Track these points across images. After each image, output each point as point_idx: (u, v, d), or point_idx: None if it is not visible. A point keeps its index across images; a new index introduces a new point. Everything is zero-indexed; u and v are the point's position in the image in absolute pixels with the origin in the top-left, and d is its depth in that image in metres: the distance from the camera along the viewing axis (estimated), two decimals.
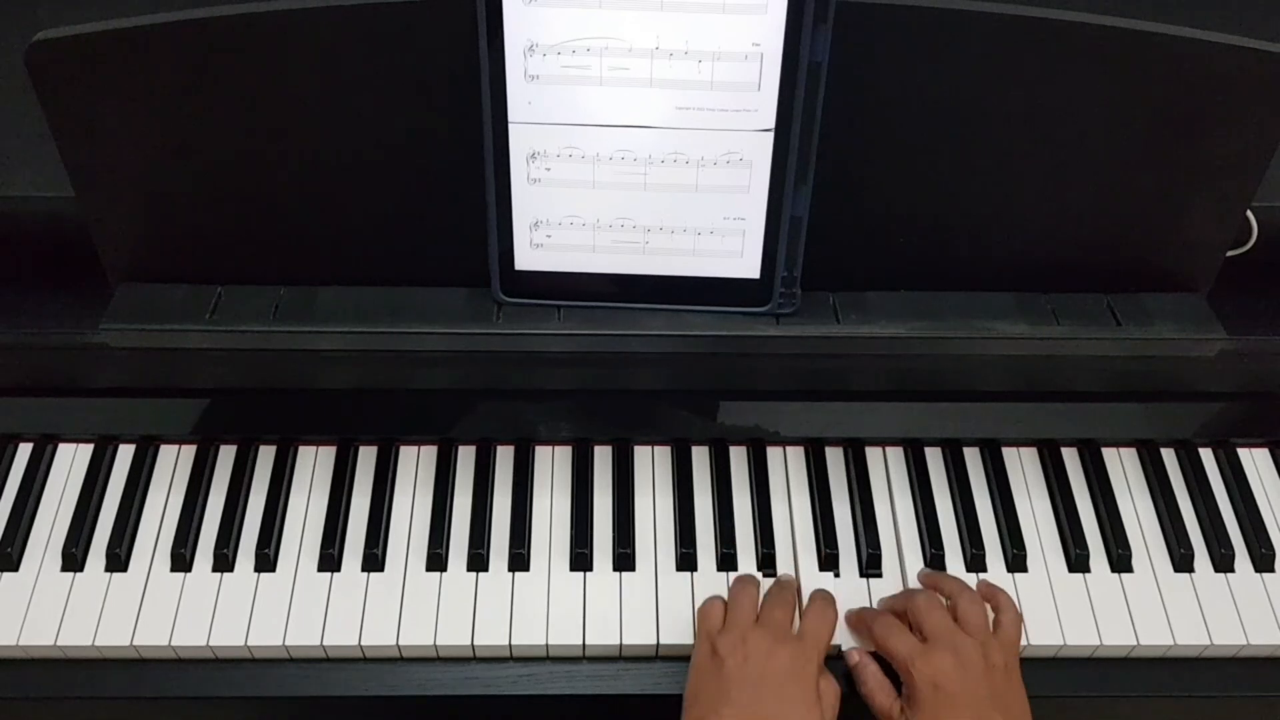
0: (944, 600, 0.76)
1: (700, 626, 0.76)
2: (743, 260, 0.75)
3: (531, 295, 0.77)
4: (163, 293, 0.77)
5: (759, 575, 0.81)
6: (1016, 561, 0.82)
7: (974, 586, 0.78)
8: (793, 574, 0.81)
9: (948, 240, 0.77)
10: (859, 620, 0.78)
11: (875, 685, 0.74)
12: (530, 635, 0.78)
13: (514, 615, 0.79)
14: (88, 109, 0.69)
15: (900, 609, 0.77)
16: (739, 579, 0.79)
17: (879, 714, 0.73)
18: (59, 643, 0.77)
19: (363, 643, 0.77)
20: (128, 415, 0.87)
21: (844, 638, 0.78)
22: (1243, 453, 0.90)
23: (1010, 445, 0.90)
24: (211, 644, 0.77)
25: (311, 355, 0.79)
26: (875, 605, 0.80)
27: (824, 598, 0.77)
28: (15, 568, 0.81)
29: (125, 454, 0.87)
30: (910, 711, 0.70)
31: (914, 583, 0.81)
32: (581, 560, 0.81)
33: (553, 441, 0.89)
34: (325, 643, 0.77)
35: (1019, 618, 0.75)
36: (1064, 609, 0.80)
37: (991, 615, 0.75)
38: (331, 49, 0.67)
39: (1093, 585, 0.82)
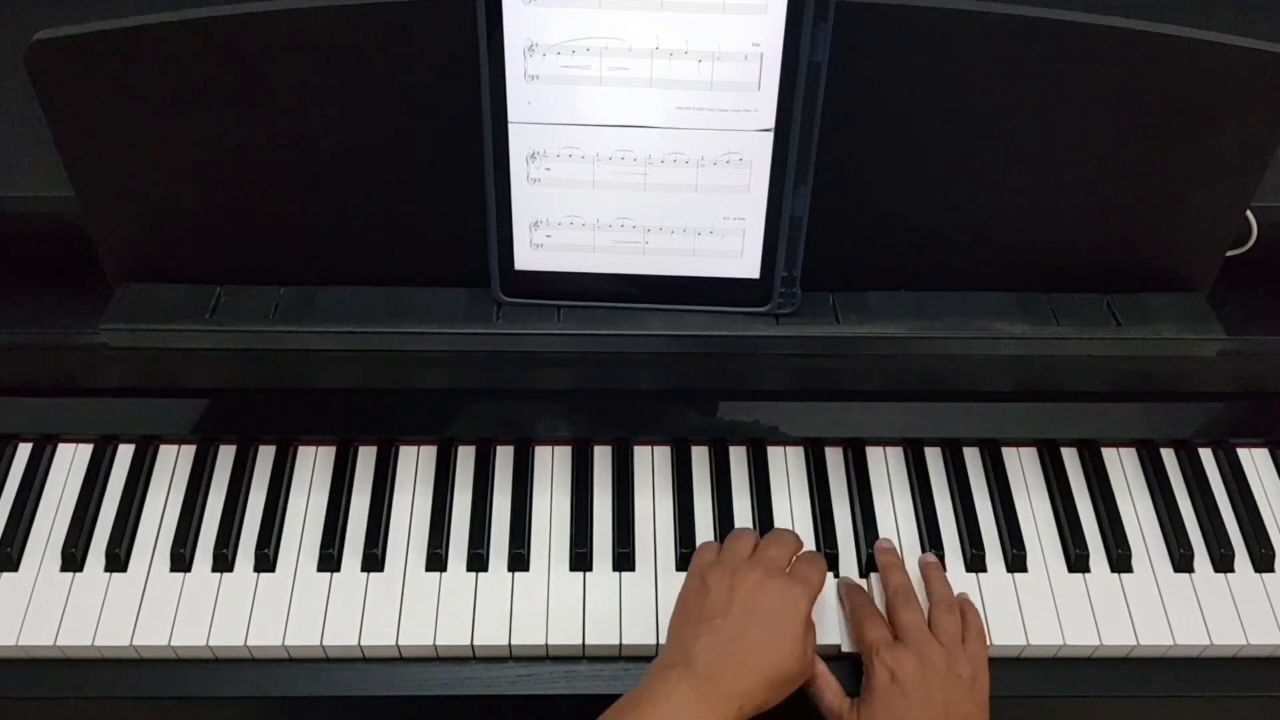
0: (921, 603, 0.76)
1: (692, 563, 0.76)
2: (743, 260, 0.75)
3: (531, 295, 0.77)
4: (163, 293, 0.77)
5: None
6: (1016, 561, 0.82)
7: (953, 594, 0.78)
8: None
9: (948, 240, 0.77)
10: (846, 592, 0.78)
11: (825, 684, 0.74)
12: (530, 635, 0.78)
13: (514, 615, 0.79)
14: (88, 109, 0.69)
15: (889, 589, 0.77)
16: (736, 529, 0.79)
17: (828, 711, 0.73)
18: (59, 643, 0.77)
19: (362, 643, 0.77)
20: (128, 415, 0.87)
21: (833, 632, 0.78)
22: (1242, 453, 0.90)
23: (1010, 445, 0.90)
24: (211, 644, 0.77)
25: (311, 355, 0.79)
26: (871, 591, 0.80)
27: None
28: (15, 568, 0.81)
29: (125, 454, 0.87)
30: (863, 704, 0.70)
31: (914, 580, 0.81)
32: (581, 560, 0.81)
33: (553, 441, 0.89)
34: (325, 643, 0.77)
35: (983, 630, 0.76)
36: (1064, 609, 0.80)
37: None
38: (331, 49, 0.67)
39: (1092, 585, 0.82)
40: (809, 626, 0.72)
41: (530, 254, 0.75)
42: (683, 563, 0.82)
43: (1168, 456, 0.89)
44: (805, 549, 0.79)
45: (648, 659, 0.78)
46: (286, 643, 0.77)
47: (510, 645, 0.77)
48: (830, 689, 0.73)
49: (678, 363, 0.83)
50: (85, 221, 0.75)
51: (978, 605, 0.79)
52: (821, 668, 0.74)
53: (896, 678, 0.70)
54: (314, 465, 0.87)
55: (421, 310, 0.77)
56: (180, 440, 0.88)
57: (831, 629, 0.78)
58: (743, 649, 0.68)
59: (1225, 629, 0.79)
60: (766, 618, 0.70)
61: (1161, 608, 0.80)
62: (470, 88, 0.67)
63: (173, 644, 0.77)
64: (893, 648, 0.72)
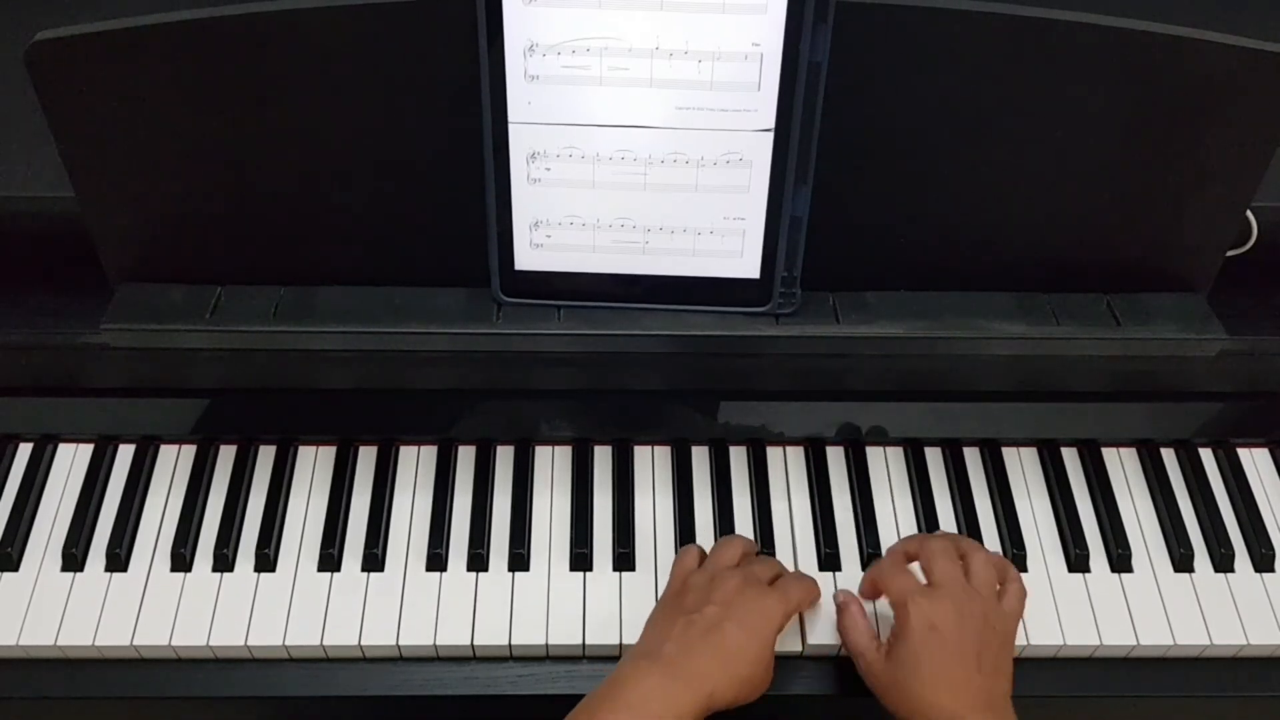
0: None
1: (674, 568, 0.76)
2: (743, 260, 0.75)
3: (531, 295, 0.77)
4: (163, 293, 0.77)
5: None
6: (1016, 561, 0.82)
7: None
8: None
9: (947, 240, 0.77)
10: (871, 574, 0.76)
11: (851, 623, 0.73)
12: (530, 635, 0.78)
13: (514, 615, 0.79)
14: (88, 109, 0.69)
15: (913, 551, 0.75)
16: (726, 536, 0.79)
17: (854, 652, 0.72)
18: (59, 643, 0.77)
19: (363, 643, 0.77)
20: (128, 415, 0.87)
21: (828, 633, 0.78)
22: (1243, 453, 0.90)
23: (1010, 445, 0.90)
24: (211, 644, 0.77)
25: (311, 355, 0.79)
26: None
27: (809, 577, 0.77)
28: (15, 568, 0.81)
29: (125, 454, 0.87)
30: (894, 648, 0.69)
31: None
32: (581, 560, 0.81)
33: (553, 441, 0.89)
34: (325, 643, 0.77)
35: (1024, 591, 0.74)
36: (1064, 609, 0.80)
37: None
38: (331, 49, 0.67)
39: (1093, 585, 0.82)
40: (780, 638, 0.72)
41: (530, 254, 0.75)
42: None
43: (1168, 456, 0.89)
44: (799, 573, 0.78)
45: None
46: (287, 643, 0.77)
47: (510, 645, 0.77)
48: (857, 629, 0.73)
49: (678, 363, 0.83)
50: (85, 221, 0.75)
51: None
52: (855, 608, 0.74)
53: (936, 627, 0.68)
54: (314, 465, 0.87)
55: (421, 310, 0.77)
56: (180, 440, 0.88)
57: (827, 631, 0.77)
58: (714, 643, 0.68)
59: (1225, 629, 0.79)
60: (741, 618, 0.69)
61: (1161, 608, 0.80)
62: (470, 88, 0.67)
63: (173, 644, 0.77)
64: (929, 595, 0.69)
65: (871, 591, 0.76)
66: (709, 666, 0.67)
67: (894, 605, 0.71)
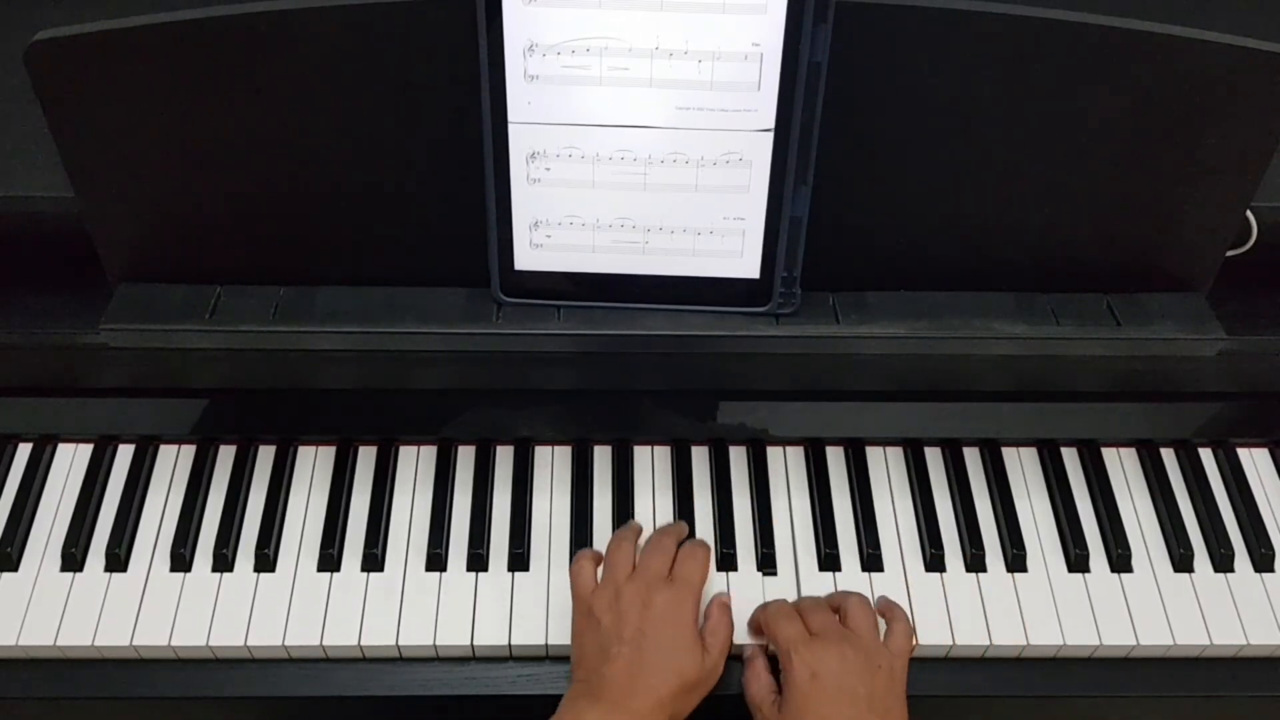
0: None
1: (574, 589, 0.76)
2: (743, 260, 0.75)
3: (531, 295, 0.77)
4: (163, 293, 0.77)
5: (644, 529, 0.82)
6: (1016, 561, 0.82)
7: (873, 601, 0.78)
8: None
9: (948, 240, 0.77)
10: (761, 607, 0.77)
11: (753, 675, 0.74)
12: (530, 635, 0.78)
13: (514, 615, 0.79)
14: (88, 109, 0.69)
15: (798, 607, 0.76)
16: (616, 535, 0.79)
17: (751, 703, 0.73)
18: (59, 643, 0.77)
19: (362, 643, 0.77)
20: (128, 415, 0.87)
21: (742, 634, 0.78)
22: (1242, 453, 0.90)
23: (1010, 445, 0.90)
24: (211, 644, 0.77)
25: (311, 355, 0.79)
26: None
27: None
28: (15, 568, 0.81)
29: (125, 454, 0.87)
30: (784, 700, 0.70)
31: (914, 580, 0.81)
32: None
33: (553, 441, 0.89)
34: (325, 643, 0.77)
35: (910, 630, 0.75)
36: (1064, 609, 0.80)
37: (884, 626, 0.75)
38: (331, 49, 0.67)
39: (1092, 585, 0.82)
40: (712, 625, 0.74)
41: (530, 254, 0.75)
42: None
43: (1168, 456, 0.89)
44: (689, 541, 0.79)
45: None
46: (286, 643, 0.77)
47: (510, 645, 0.78)
48: (758, 681, 0.74)
49: (677, 362, 0.83)
50: (85, 221, 0.75)
51: (977, 605, 0.79)
52: (762, 661, 0.75)
53: (818, 674, 0.69)
54: (314, 465, 0.87)
55: (421, 310, 0.77)
56: (180, 440, 0.88)
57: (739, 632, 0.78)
58: (643, 670, 0.69)
59: (1225, 629, 0.79)
60: (658, 634, 0.71)
61: (1161, 608, 0.80)
62: (470, 88, 0.67)
63: (173, 644, 0.77)
64: (810, 645, 0.71)
65: (759, 632, 0.77)
66: (644, 698, 0.68)
67: (779, 656, 0.72)
